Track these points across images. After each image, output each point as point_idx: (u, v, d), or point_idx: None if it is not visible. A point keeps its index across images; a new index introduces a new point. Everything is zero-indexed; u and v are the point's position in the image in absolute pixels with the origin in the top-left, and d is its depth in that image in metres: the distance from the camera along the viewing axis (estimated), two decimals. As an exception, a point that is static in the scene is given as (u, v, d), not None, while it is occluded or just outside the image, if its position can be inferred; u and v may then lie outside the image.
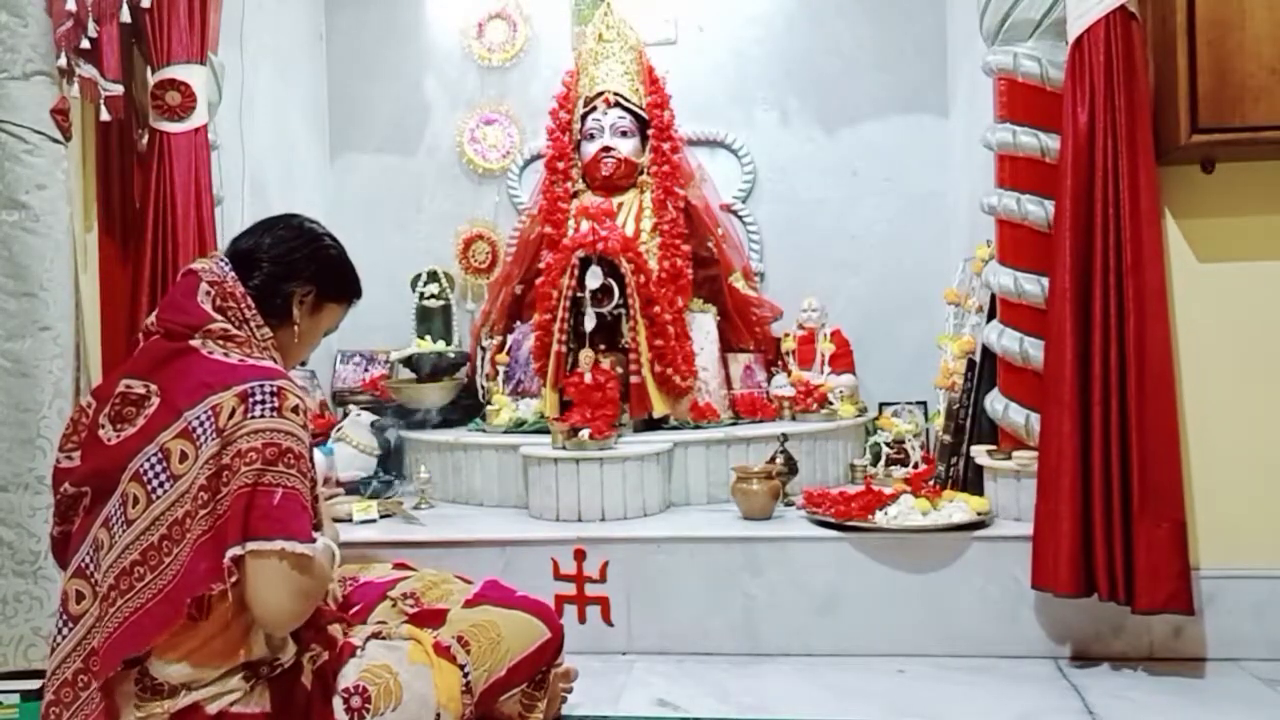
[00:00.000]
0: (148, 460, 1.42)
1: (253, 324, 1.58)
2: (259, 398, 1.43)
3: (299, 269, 1.67)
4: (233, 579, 1.38)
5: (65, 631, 1.47)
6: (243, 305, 1.58)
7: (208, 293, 1.56)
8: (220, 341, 1.52)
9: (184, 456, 1.40)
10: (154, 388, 1.47)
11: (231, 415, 1.40)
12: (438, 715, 1.62)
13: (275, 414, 1.43)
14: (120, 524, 1.42)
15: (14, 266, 2.27)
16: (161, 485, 1.41)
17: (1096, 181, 2.22)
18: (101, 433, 1.49)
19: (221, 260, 1.62)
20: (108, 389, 1.54)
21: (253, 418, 1.41)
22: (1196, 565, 2.30)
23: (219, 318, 1.54)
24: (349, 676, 1.58)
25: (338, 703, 1.54)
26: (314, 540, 1.45)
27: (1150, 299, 2.18)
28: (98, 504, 1.48)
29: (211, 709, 1.43)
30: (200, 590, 1.38)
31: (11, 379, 2.27)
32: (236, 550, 1.37)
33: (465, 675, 1.67)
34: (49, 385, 2.28)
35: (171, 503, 1.40)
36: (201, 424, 1.41)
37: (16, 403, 2.27)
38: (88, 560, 1.48)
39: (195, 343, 1.51)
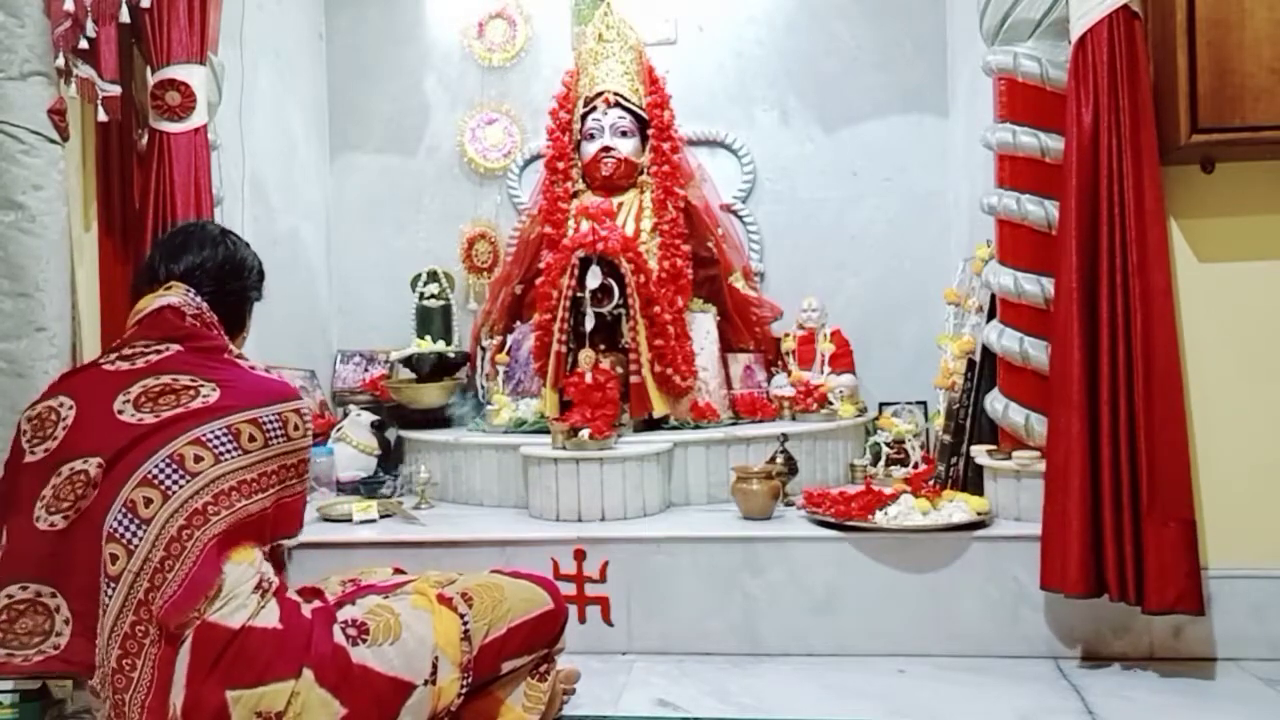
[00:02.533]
0: (212, 431, 1.61)
1: (228, 344, 1.78)
2: (308, 417, 1.74)
3: (247, 286, 1.87)
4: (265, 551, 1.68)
5: (109, 591, 1.54)
6: (220, 330, 1.78)
7: (193, 324, 1.74)
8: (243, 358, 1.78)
9: (252, 439, 1.63)
10: (210, 384, 1.66)
11: (296, 428, 1.70)
12: (436, 657, 1.67)
13: (312, 433, 1.76)
14: (177, 479, 1.56)
15: (10, 267, 2.27)
16: (229, 452, 1.60)
17: (1101, 181, 2.22)
18: (122, 417, 1.60)
19: (188, 291, 1.76)
20: (100, 388, 1.65)
21: (307, 435, 1.73)
22: (1205, 565, 2.30)
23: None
24: (351, 611, 1.67)
25: (337, 629, 1.62)
26: None
27: (1156, 298, 2.18)
28: (123, 475, 1.56)
29: (234, 623, 1.53)
30: (236, 548, 1.61)
31: (6, 379, 2.26)
32: (297, 539, 1.77)
33: (465, 624, 1.73)
34: (44, 386, 2.27)
35: (242, 466, 1.61)
36: (271, 423, 1.66)
37: (12, 404, 2.26)
38: (116, 524, 1.54)
39: (231, 356, 1.75)
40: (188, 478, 1.56)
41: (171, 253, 1.81)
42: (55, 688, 2.20)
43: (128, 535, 1.53)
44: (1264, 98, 2.18)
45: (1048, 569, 2.26)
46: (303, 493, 1.75)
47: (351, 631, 1.63)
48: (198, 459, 1.58)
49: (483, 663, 1.74)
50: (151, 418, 1.60)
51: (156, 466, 1.56)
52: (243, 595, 1.56)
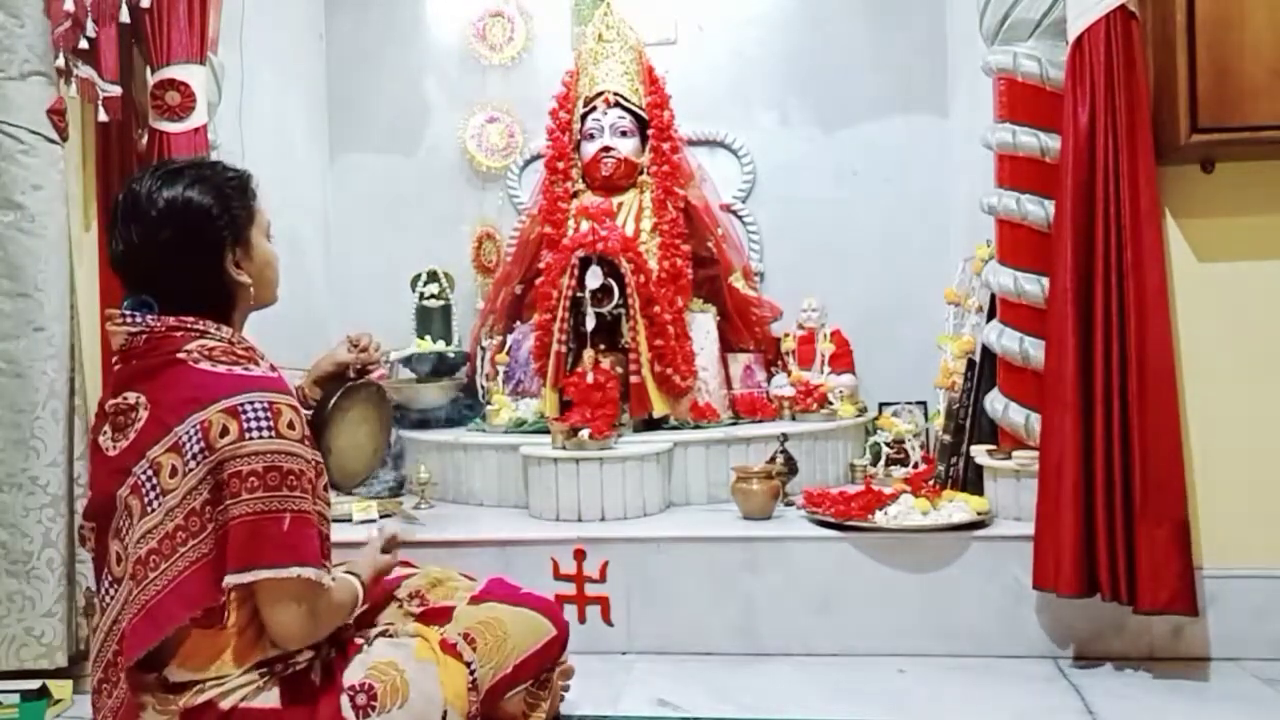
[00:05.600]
0: (142, 474, 1.40)
1: (211, 330, 1.50)
2: (253, 416, 1.38)
3: (208, 246, 1.51)
4: (221, 601, 1.41)
5: (112, 592, 1.46)
6: (186, 325, 1.48)
7: (153, 348, 1.46)
8: (205, 352, 1.46)
9: (174, 472, 1.38)
10: (143, 399, 1.44)
11: (224, 433, 1.37)
12: (444, 713, 1.60)
13: (273, 434, 1.39)
14: (127, 535, 1.43)
15: (9, 267, 2.27)
16: (152, 502, 1.39)
17: (1097, 181, 2.22)
18: (103, 441, 1.49)
19: (125, 316, 1.47)
20: (104, 400, 1.53)
21: (250, 439, 1.37)
22: (1199, 565, 2.30)
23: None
24: (355, 674, 1.56)
25: (344, 700, 1.52)
26: (324, 564, 1.45)
27: (1151, 298, 2.18)
28: (104, 529, 1.49)
29: (224, 705, 1.43)
30: (190, 613, 1.39)
31: (5, 380, 2.27)
32: (242, 578, 1.37)
33: (471, 672, 1.66)
34: (43, 386, 2.28)
35: (161, 518, 1.39)
36: (190, 439, 1.37)
37: (10, 403, 2.26)
38: (99, 584, 1.50)
39: (182, 355, 1.45)
40: (133, 532, 1.41)
41: (115, 225, 1.49)
42: (55, 687, 2.21)
43: (102, 590, 1.49)
44: (1264, 98, 2.18)
45: (1040, 569, 2.26)
46: (268, 514, 1.36)
47: (361, 700, 1.52)
48: (130, 513, 1.41)
49: (488, 703, 1.70)
50: (115, 449, 1.45)
51: (119, 520, 1.44)
52: (231, 676, 1.44)
